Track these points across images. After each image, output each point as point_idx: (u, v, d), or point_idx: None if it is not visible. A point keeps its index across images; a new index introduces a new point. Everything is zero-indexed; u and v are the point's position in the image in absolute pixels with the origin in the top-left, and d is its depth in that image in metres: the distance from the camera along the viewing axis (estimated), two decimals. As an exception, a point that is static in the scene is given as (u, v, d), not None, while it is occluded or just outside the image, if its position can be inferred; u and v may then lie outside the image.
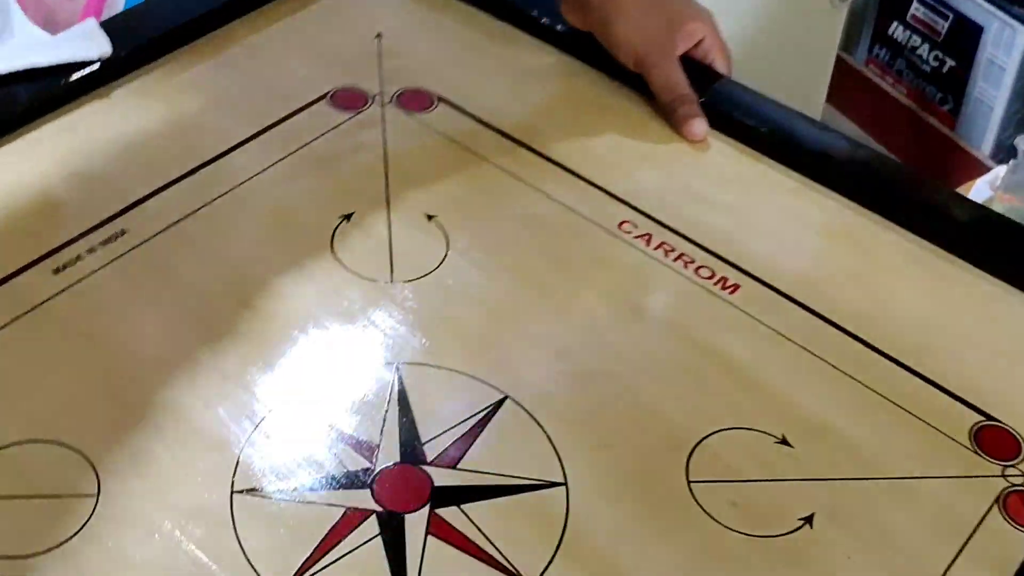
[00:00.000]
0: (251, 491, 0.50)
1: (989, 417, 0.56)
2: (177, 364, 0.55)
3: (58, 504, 0.49)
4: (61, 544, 0.48)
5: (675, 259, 0.62)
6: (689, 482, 0.52)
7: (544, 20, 0.76)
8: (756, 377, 0.57)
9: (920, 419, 0.56)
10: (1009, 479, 0.53)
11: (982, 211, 0.73)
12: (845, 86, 1.56)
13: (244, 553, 0.48)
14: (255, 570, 0.47)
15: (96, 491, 0.50)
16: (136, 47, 0.72)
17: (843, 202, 0.67)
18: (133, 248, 0.60)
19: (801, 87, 1.40)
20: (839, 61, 1.53)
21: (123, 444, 0.52)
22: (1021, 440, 0.55)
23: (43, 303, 0.57)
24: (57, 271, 0.59)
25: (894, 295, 0.62)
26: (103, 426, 0.52)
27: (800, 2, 1.43)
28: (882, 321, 0.60)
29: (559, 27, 0.76)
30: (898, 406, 0.56)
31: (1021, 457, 0.54)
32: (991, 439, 0.55)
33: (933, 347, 0.59)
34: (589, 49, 0.74)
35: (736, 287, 0.61)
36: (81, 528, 0.48)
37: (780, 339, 0.59)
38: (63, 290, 0.58)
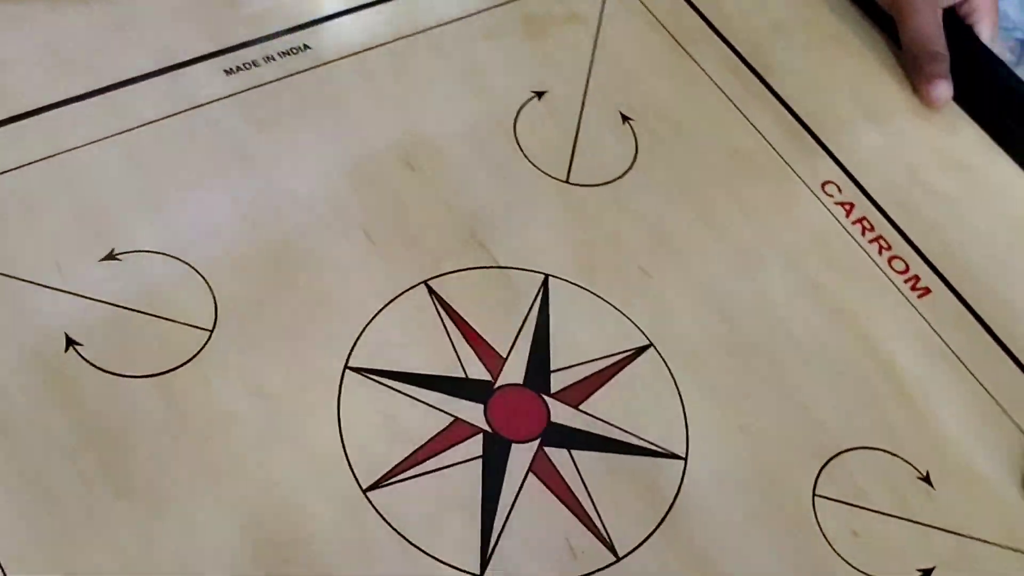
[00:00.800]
0: (365, 371, 0.48)
1: None
2: (324, 211, 0.52)
3: (170, 329, 0.47)
4: (160, 374, 0.46)
5: (871, 241, 0.57)
6: (815, 495, 0.48)
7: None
8: (917, 398, 0.52)
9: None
10: None
11: None
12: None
13: (340, 435, 0.46)
14: (347, 458, 0.45)
15: (211, 327, 0.48)
16: None
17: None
18: (311, 68, 0.57)
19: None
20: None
21: (247, 284, 0.49)
22: None
23: (207, 104, 0.54)
24: (228, 72, 0.56)
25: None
26: (233, 258, 0.50)
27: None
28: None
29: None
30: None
31: None
32: None
33: None
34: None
35: (927, 291, 0.56)
36: (185, 363, 0.47)
37: (956, 362, 0.53)
38: (230, 95, 0.55)
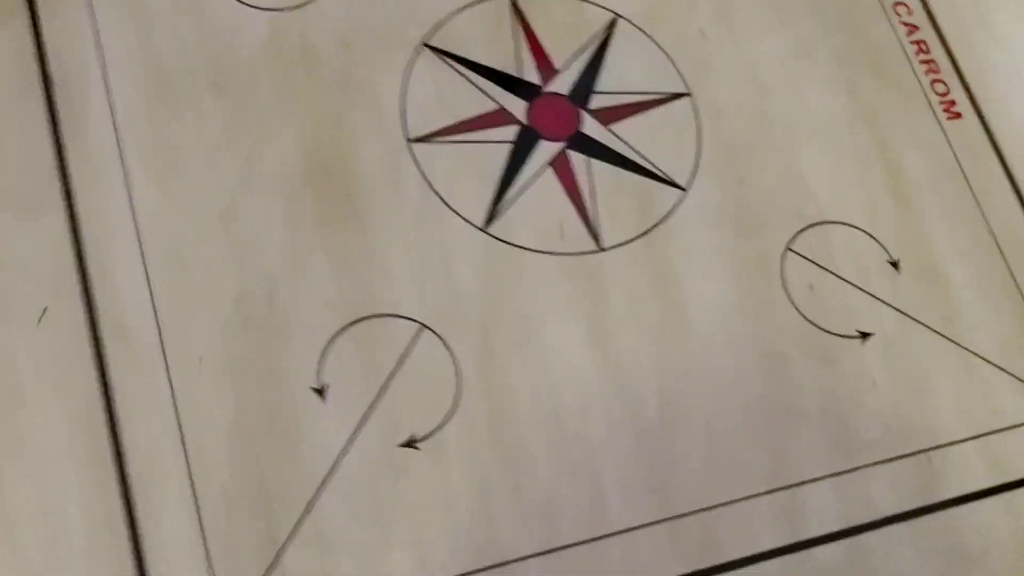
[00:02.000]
0: (439, 51, 0.56)
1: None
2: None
3: None
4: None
5: (922, 62, 0.61)
6: (788, 248, 0.55)
7: None
8: (911, 198, 0.57)
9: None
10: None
11: None
12: None
13: (404, 94, 0.55)
14: (403, 113, 0.54)
15: None
16: None
17: None
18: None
19: None
20: None
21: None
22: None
23: None
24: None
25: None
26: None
27: None
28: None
29: None
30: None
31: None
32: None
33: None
34: None
35: (958, 116, 0.60)
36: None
37: (962, 182, 0.59)
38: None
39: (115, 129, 0.51)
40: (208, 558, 0.45)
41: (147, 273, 0.49)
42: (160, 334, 0.48)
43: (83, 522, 0.45)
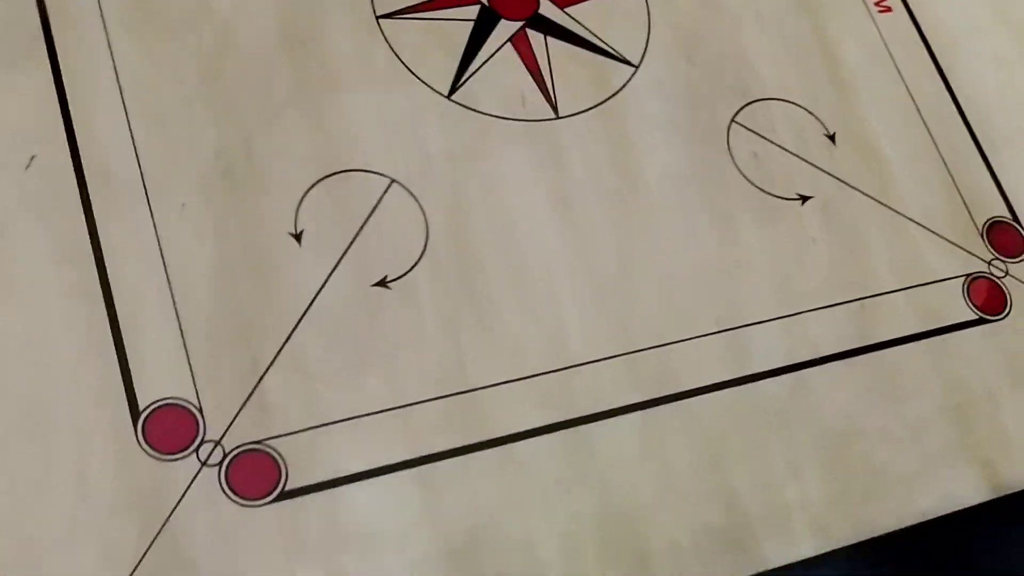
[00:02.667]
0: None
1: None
2: None
3: None
4: None
5: (854, -40, 0.66)
6: (733, 120, 0.59)
7: None
8: (848, 82, 0.62)
9: (959, 193, 0.61)
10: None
11: None
12: None
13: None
14: (371, -9, 0.58)
15: None
16: None
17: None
18: None
19: None
20: None
21: None
22: None
23: None
24: None
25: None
26: None
27: None
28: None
29: None
30: (948, 170, 0.61)
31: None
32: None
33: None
34: None
35: (888, 9, 0.65)
36: None
37: (892, 69, 0.63)
38: None
39: (98, -9, 0.53)
40: (194, 382, 0.48)
41: (129, 125, 0.51)
42: (143, 181, 0.50)
43: (70, 348, 0.47)
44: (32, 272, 0.48)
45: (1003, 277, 0.59)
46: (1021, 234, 0.60)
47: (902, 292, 0.57)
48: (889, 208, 0.59)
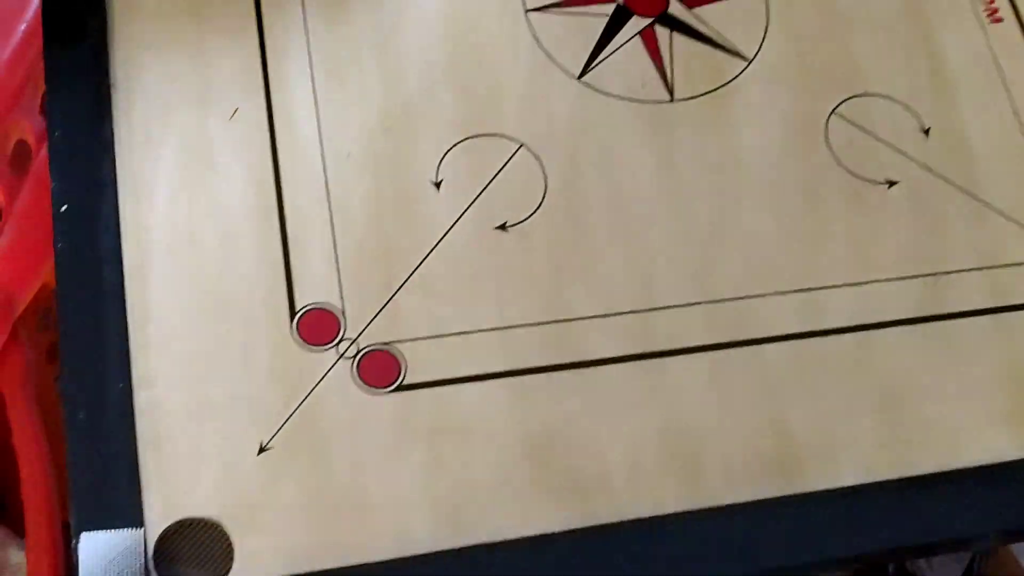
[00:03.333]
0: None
1: None
2: None
3: None
4: None
5: (973, -26, 0.72)
6: (833, 112, 0.66)
7: None
8: (950, 85, 0.68)
9: None
10: None
11: None
12: None
13: (525, -23, 0.69)
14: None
15: None
16: None
17: None
18: None
19: None
20: None
21: None
22: None
23: None
24: None
25: None
26: None
27: None
28: None
29: None
30: None
31: None
32: None
33: None
34: None
35: (1000, 20, 0.70)
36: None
37: (996, 75, 0.69)
38: None
39: (299, -19, 0.66)
40: (341, 291, 0.59)
41: (314, 85, 0.63)
42: (320, 132, 0.62)
43: (250, 255, 0.59)
44: (229, 194, 0.61)
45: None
46: (1105, 229, 0.65)
47: (977, 271, 0.63)
48: (974, 197, 0.64)
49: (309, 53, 0.64)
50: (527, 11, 0.68)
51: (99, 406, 0.54)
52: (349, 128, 0.63)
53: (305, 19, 0.65)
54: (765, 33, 0.68)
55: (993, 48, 0.69)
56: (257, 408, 0.56)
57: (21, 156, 0.72)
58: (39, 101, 0.72)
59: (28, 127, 0.73)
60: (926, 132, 0.66)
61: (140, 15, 0.66)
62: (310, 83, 0.64)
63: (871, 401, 0.59)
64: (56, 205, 0.58)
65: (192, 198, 0.61)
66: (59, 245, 0.57)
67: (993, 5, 0.71)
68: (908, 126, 0.66)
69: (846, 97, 0.67)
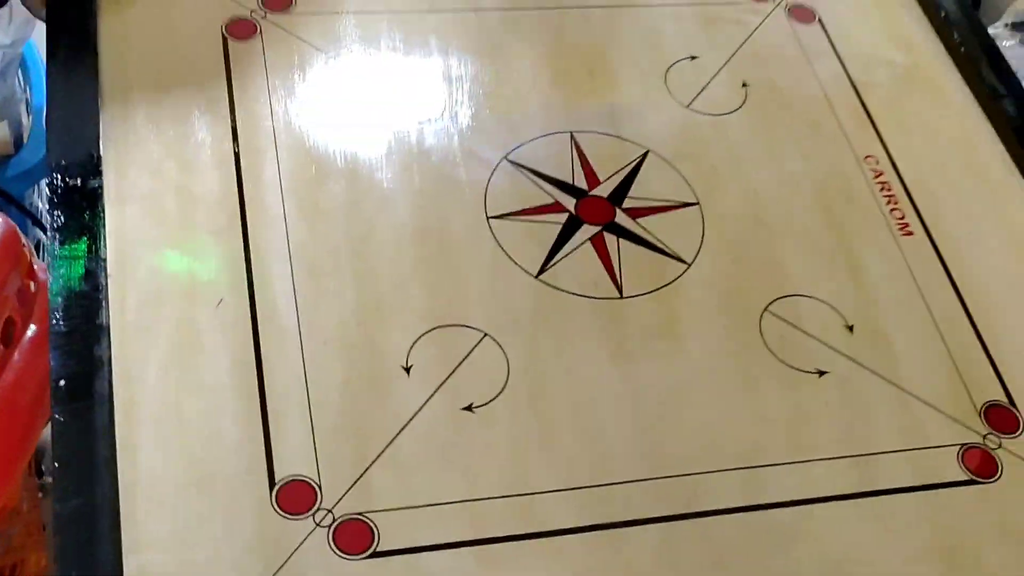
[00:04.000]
0: (520, 165, 0.78)
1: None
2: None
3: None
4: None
5: (884, 194, 0.81)
6: (766, 310, 0.73)
7: None
8: (869, 287, 0.75)
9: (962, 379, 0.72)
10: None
11: None
12: None
13: (486, 190, 0.76)
14: (485, 197, 0.75)
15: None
16: None
17: None
18: None
19: None
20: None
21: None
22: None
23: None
24: None
25: None
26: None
27: None
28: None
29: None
30: (952, 360, 0.73)
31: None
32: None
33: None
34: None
35: (911, 233, 0.79)
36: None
37: (912, 285, 0.76)
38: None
39: (280, 187, 0.73)
40: (317, 465, 0.63)
41: (294, 283, 0.69)
42: (299, 322, 0.68)
43: (233, 431, 0.63)
44: (214, 375, 0.65)
45: (996, 449, 0.69)
46: (1015, 415, 0.71)
47: (902, 452, 0.68)
48: (896, 386, 0.71)
49: (290, 254, 0.70)
50: (489, 218, 0.75)
51: (90, 567, 0.57)
52: (326, 320, 0.68)
53: (286, 222, 0.72)
54: (702, 241, 0.76)
55: (906, 257, 0.78)
56: (239, 572, 0.59)
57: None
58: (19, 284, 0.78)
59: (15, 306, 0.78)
60: (850, 329, 0.73)
61: (132, 212, 0.72)
62: (291, 281, 0.69)
63: (812, 571, 0.64)
64: (54, 380, 0.62)
65: (180, 377, 0.65)
66: (56, 417, 0.61)
67: (903, 220, 0.80)
68: (834, 323, 0.73)
69: (776, 297, 0.74)
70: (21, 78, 1.23)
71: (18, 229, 0.83)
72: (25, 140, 1.21)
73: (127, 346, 0.65)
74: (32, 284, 0.81)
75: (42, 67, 1.23)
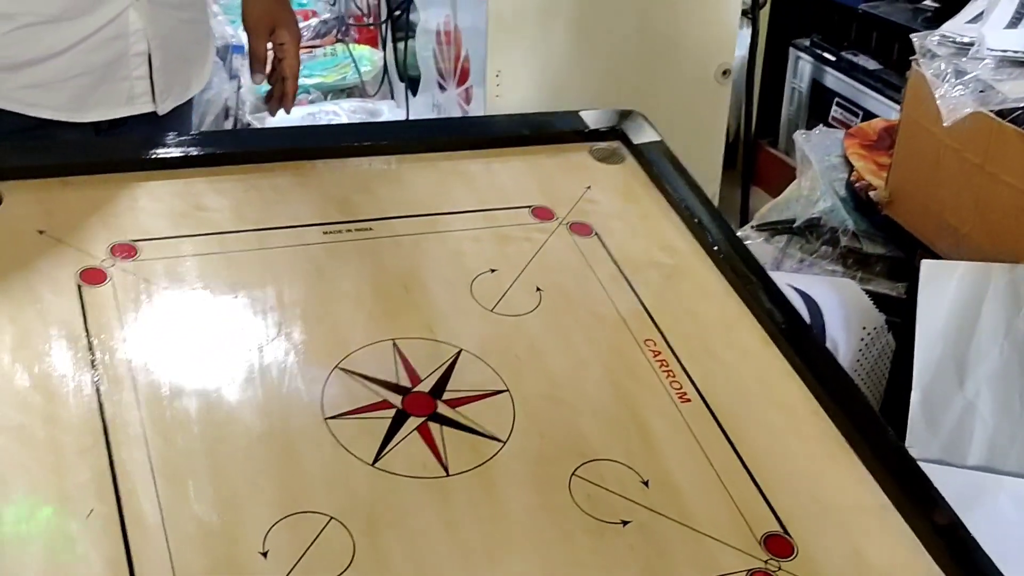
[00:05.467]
0: (353, 373, 0.89)
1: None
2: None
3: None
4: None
5: (662, 368, 0.95)
6: (574, 474, 0.85)
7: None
8: (657, 447, 0.88)
9: (742, 516, 0.85)
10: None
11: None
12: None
13: (322, 392, 0.87)
14: (322, 398, 0.86)
15: (273, 334, 0.91)
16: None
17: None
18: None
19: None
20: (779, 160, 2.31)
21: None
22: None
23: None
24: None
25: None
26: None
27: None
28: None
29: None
30: (733, 501, 0.85)
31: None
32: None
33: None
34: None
35: (688, 400, 0.93)
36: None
37: (692, 440, 0.90)
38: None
39: (138, 406, 0.82)
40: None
41: (156, 488, 0.78)
42: (163, 521, 0.76)
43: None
44: (86, 577, 0.72)
45: (777, 571, 0.82)
46: (789, 542, 0.84)
47: (694, 582, 0.80)
48: (689, 527, 0.83)
49: (151, 462, 0.79)
50: (326, 418, 0.85)
51: None
52: (189, 517, 0.77)
53: (146, 436, 0.81)
54: (513, 422, 0.88)
55: (687, 420, 0.91)
56: None
57: None
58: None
59: None
60: (646, 483, 0.86)
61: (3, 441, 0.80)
62: (153, 488, 0.78)
63: None
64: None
65: (56, 582, 0.72)
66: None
67: (682, 390, 0.94)
68: (631, 480, 0.86)
69: (581, 463, 0.86)
70: None
71: None
72: None
73: (5, 556, 0.73)
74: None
75: None
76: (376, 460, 0.84)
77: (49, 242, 0.96)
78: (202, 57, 1.41)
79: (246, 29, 1.42)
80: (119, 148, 1.17)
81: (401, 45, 2.32)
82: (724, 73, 2.00)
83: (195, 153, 1.09)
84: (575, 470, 0.86)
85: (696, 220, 1.10)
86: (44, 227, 0.97)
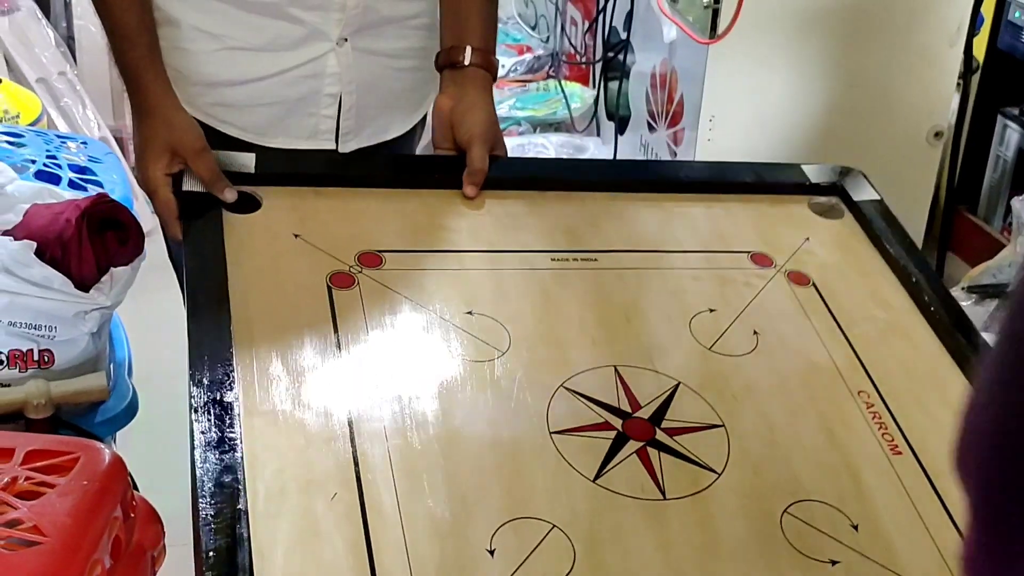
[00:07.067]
0: (577, 393, 0.94)
1: None
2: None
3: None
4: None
5: (875, 421, 0.96)
6: (785, 511, 0.87)
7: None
8: (867, 494, 0.90)
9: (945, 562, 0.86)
10: None
11: None
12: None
13: (547, 413, 0.91)
14: (548, 415, 0.91)
15: (504, 350, 0.96)
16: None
17: None
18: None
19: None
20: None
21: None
22: None
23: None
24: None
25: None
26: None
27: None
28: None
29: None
30: (938, 549, 0.86)
31: None
32: None
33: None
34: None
35: (900, 453, 0.94)
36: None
37: (902, 492, 0.91)
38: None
39: (380, 403, 0.88)
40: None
41: (394, 482, 0.84)
42: (400, 513, 0.82)
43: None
44: (332, 555, 0.78)
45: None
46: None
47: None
48: (896, 573, 0.84)
49: (390, 457, 0.85)
50: (551, 432, 0.90)
51: None
52: (424, 510, 0.83)
53: (386, 432, 0.87)
54: (728, 455, 0.91)
55: (897, 471, 0.93)
56: None
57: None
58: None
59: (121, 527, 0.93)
60: (855, 527, 0.87)
61: (259, 423, 0.87)
62: (392, 481, 0.84)
63: None
64: (205, 552, 0.75)
65: (303, 557, 0.78)
66: (208, 583, 0.75)
67: (893, 442, 0.95)
68: (841, 523, 0.88)
69: (793, 502, 0.89)
70: (106, 333, 1.39)
71: (123, 461, 0.97)
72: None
73: (259, 529, 0.79)
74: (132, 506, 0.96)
75: (120, 324, 1.40)
76: (597, 477, 0.88)
77: (303, 246, 1.04)
78: (413, 105, 1.38)
79: (466, 138, 1.21)
80: (366, 164, 1.25)
81: (613, 84, 2.37)
82: (936, 135, 1.99)
83: (435, 176, 1.16)
84: (787, 508, 0.88)
85: (913, 280, 1.12)
86: (299, 231, 1.06)
